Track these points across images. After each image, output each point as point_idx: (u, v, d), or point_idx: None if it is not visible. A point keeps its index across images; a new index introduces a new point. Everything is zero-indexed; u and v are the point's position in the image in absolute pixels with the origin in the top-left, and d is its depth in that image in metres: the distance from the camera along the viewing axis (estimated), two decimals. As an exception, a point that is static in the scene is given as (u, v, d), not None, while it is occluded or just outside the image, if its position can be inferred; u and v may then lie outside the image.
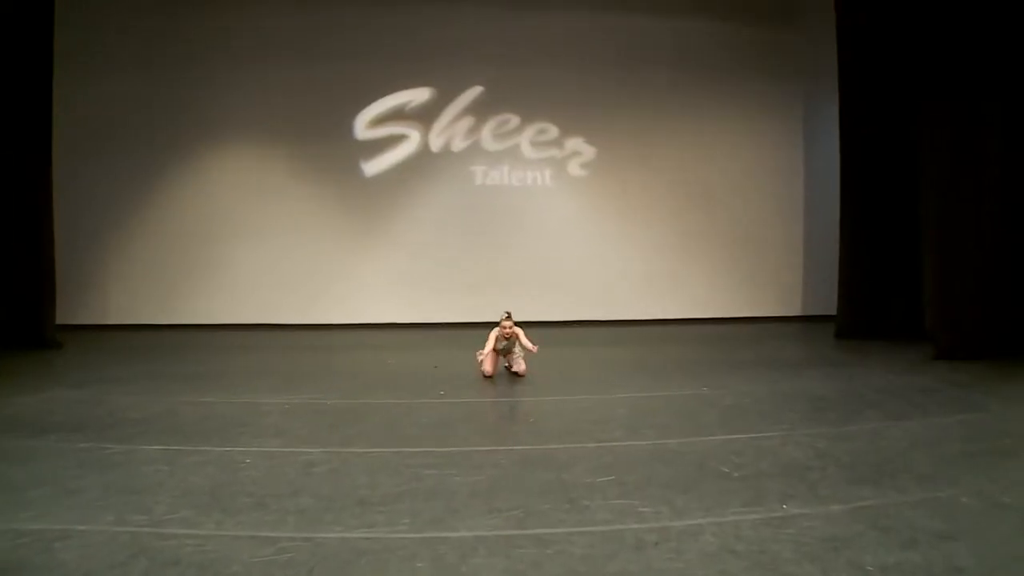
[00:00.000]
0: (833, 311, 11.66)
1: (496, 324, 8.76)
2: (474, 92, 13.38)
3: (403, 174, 13.41)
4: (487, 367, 8.66)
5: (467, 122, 13.38)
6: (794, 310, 13.66)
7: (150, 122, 13.11)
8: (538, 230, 13.43)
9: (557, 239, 13.43)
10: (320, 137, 13.21)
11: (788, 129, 13.78)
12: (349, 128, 13.35)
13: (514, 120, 13.43)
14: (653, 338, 12.00)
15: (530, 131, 13.47)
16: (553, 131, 13.52)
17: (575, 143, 13.54)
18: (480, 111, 13.42)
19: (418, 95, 13.37)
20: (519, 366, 8.76)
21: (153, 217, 13.28)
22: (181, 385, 8.31)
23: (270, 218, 13.21)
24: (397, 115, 13.37)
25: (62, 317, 12.21)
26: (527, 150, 13.48)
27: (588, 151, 13.57)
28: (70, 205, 12.54)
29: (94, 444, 6.08)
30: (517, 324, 8.80)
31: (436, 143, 13.41)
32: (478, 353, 8.91)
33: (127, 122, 13.08)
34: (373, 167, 13.35)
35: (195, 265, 13.20)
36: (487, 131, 13.42)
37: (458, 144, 13.43)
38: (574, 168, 13.56)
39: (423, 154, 13.42)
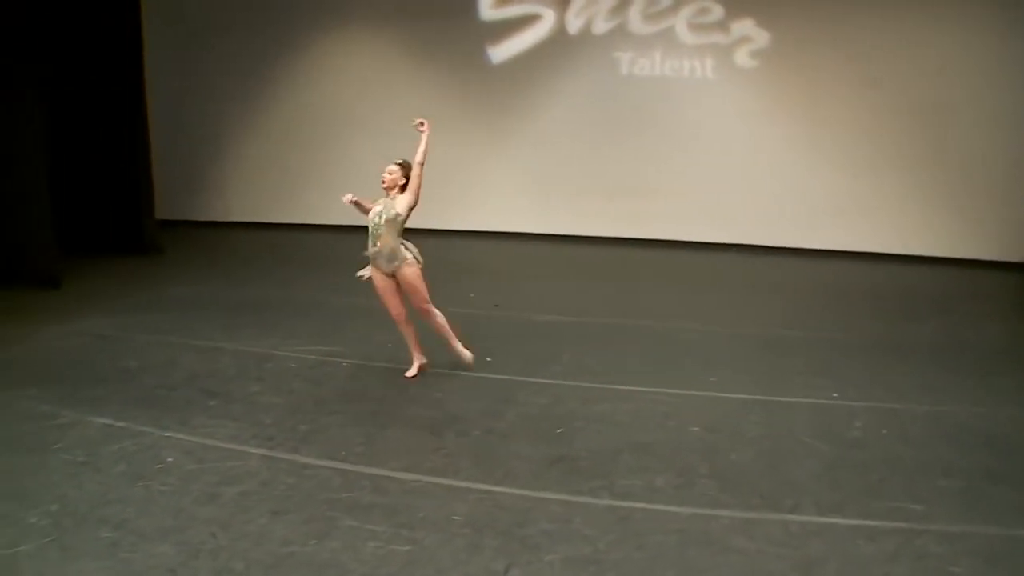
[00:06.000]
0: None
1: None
2: (621, -39, 11.17)
3: (535, 61, 11.55)
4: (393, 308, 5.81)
5: (611, -1, 11.22)
6: (1017, 255, 10.35)
7: (257, 7, 12.10)
8: (694, 131, 11.10)
9: (717, 143, 11.04)
10: (440, 18, 11.57)
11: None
12: (473, 6, 11.58)
13: (667, -4, 11.08)
14: (816, 282, 9.57)
15: (688, 10, 10.98)
16: (717, 11, 10.93)
17: (744, 26, 10.87)
18: (627, -15, 11.16)
19: (553, -35, 11.43)
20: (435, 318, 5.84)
21: (268, 109, 12.47)
22: (219, 319, 7.49)
23: (385, 110, 11.85)
24: (528, -10, 11.50)
25: (183, 214, 11.92)
26: (684, 34, 11.02)
27: (760, 37, 10.84)
28: (180, 101, 11.93)
29: (50, 408, 5.44)
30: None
31: (574, 24, 11.39)
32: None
33: (235, 8, 12.13)
34: (501, 53, 11.56)
35: (311, 161, 12.30)
36: (635, 10, 11.11)
37: (600, 26, 11.29)
38: (742, 57, 10.93)
39: (559, 37, 11.46)
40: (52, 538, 3.75)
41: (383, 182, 5.70)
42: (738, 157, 10.96)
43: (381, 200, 5.70)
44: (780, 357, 6.38)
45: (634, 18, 11.05)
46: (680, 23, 10.94)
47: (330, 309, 7.79)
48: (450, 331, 5.87)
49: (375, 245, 5.60)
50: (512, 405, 5.38)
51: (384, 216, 5.59)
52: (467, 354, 5.91)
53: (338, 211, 11.69)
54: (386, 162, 11.92)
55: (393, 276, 5.65)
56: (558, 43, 11.37)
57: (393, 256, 5.60)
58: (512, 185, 11.73)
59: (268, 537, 3.73)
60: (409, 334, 5.87)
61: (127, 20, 10.22)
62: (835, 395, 5.45)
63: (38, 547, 3.69)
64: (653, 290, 8.76)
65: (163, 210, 11.31)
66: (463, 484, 4.23)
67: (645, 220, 11.24)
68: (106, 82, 10.24)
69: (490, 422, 5.10)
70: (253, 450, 4.69)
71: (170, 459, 4.59)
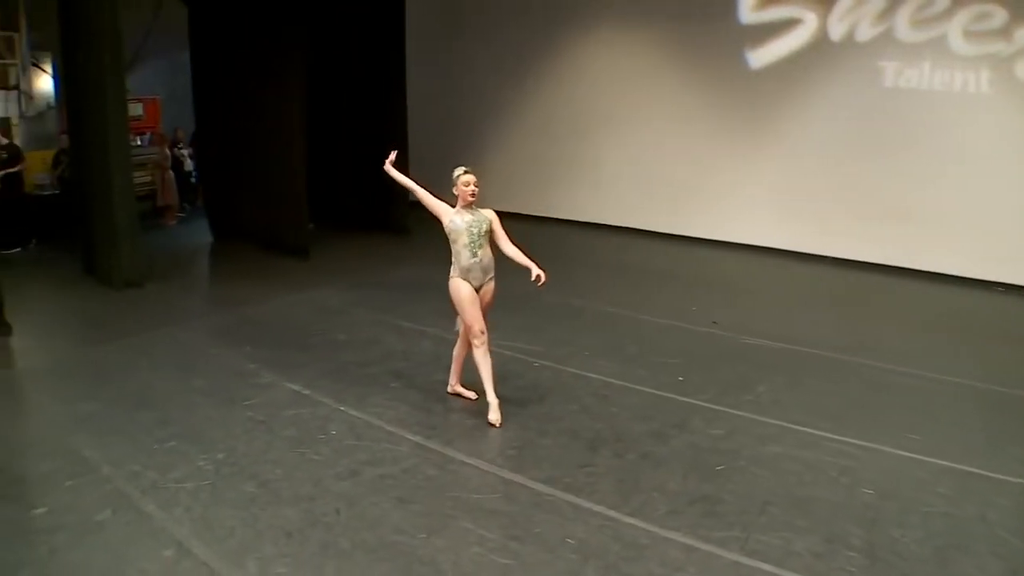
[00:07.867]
0: None
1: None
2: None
3: (794, 67, 10.60)
4: (466, 313, 5.28)
5: (878, 2, 9.96)
6: None
7: (516, 4, 12.45)
8: (962, 152, 9.56)
9: (988, 167, 9.42)
10: (699, 20, 11.09)
11: None
12: (733, 9, 10.94)
13: (942, 0, 9.58)
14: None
15: (964, 16, 9.42)
16: (998, 16, 9.22)
17: (1030, 34, 9.18)
18: (896, -14, 9.91)
19: (820, -36, 10.38)
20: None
21: (522, 104, 12.77)
22: (434, 304, 6.92)
23: (639, 111, 11.73)
24: (791, -9, 10.63)
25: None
26: (958, 43, 9.51)
27: (1050, 47, 9.09)
28: (439, 92, 12.71)
29: (256, 367, 6.08)
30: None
31: (837, 30, 10.28)
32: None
33: (493, 4, 12.58)
34: (760, 58, 10.83)
35: (561, 157, 12.38)
36: (904, 15, 9.79)
37: (865, 32, 10.10)
38: (1026, 71, 9.32)
39: (819, 43, 10.41)
40: (209, 482, 4.28)
41: (472, 195, 5.21)
42: (1013, 185, 9.39)
43: (460, 209, 5.24)
44: (1004, 421, 5.45)
45: (902, 24, 9.76)
46: (954, 30, 9.43)
47: (543, 307, 7.55)
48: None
49: (475, 256, 5.17)
50: (683, 431, 5.12)
51: (484, 227, 5.22)
52: (494, 402, 5.20)
53: (583, 209, 12.03)
54: (640, 163, 11.70)
55: (479, 289, 5.26)
56: (819, 49, 10.36)
57: (490, 268, 5.27)
58: (759, 196, 10.91)
59: (383, 522, 3.91)
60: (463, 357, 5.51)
61: (391, 13, 10.96)
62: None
63: (196, 486, 4.23)
64: (884, 324, 7.81)
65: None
66: (593, 507, 4.11)
67: (897, 246, 10.00)
68: (369, 72, 11.09)
69: (652, 446, 4.90)
70: (410, 436, 4.89)
71: (334, 432, 4.95)
